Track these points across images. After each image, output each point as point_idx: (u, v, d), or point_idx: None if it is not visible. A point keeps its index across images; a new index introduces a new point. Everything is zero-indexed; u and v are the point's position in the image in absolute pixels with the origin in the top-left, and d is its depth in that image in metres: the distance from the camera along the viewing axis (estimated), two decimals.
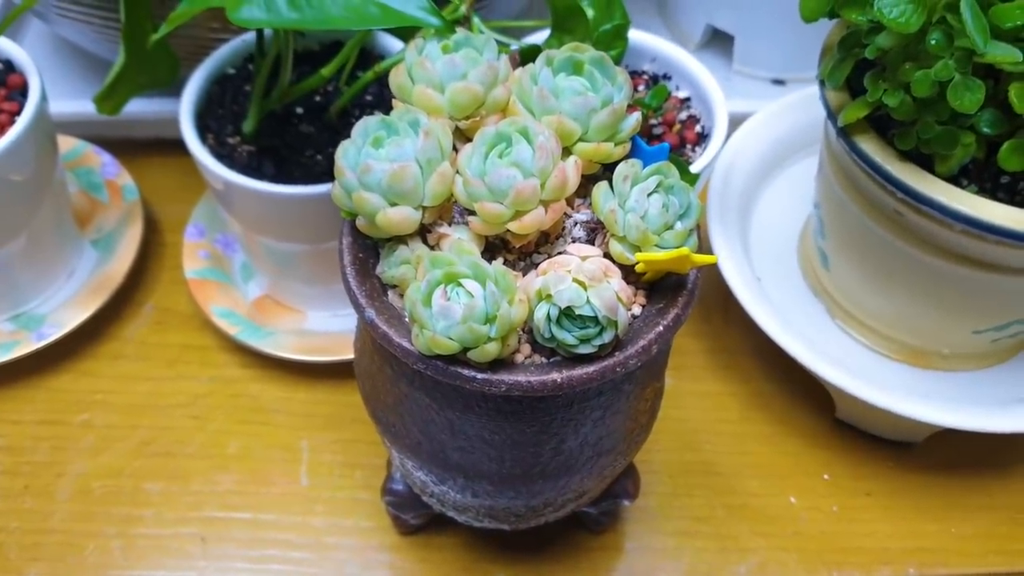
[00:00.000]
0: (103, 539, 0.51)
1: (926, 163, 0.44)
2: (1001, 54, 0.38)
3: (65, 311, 0.58)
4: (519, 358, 0.34)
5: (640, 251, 0.35)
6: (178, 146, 0.51)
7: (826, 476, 0.55)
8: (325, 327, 0.59)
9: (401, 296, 0.36)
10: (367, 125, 0.36)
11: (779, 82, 0.73)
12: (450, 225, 0.37)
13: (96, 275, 0.60)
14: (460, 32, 0.38)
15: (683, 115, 0.55)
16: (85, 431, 0.55)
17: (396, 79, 0.38)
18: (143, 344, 0.59)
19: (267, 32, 0.50)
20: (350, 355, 0.54)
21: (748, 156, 0.60)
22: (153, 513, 0.52)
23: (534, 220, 0.34)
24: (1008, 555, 0.52)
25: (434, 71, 0.36)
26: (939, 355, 0.53)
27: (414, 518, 0.50)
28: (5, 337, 0.56)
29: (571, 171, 0.35)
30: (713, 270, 0.55)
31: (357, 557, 0.51)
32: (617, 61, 0.49)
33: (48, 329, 0.56)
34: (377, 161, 0.34)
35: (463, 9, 0.45)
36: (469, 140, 0.36)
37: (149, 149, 0.67)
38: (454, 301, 0.32)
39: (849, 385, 0.50)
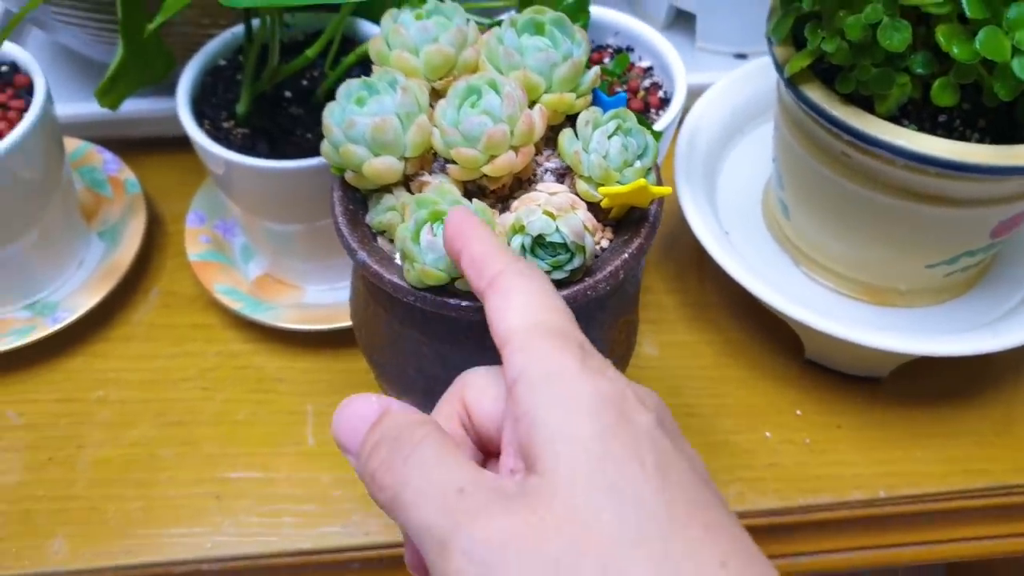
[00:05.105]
0: (123, 502, 0.54)
1: (868, 107, 0.48)
2: None
3: (77, 297, 0.61)
4: None
5: (604, 188, 0.39)
6: (175, 144, 0.54)
7: (798, 412, 0.58)
8: (323, 300, 0.62)
9: (390, 241, 0.40)
10: (350, 87, 0.40)
11: (741, 56, 0.77)
12: (431, 174, 0.40)
13: (104, 264, 0.63)
14: (431, 2, 0.41)
15: (646, 82, 0.59)
16: (101, 407, 0.59)
17: (375, 47, 0.41)
18: (151, 326, 0.63)
19: (255, 22, 0.54)
20: (348, 322, 0.57)
21: (711, 121, 0.64)
22: (169, 476, 0.55)
23: (506, 162, 0.38)
24: (969, 474, 0.55)
25: (409, 36, 0.40)
26: (897, 292, 0.57)
27: None
28: (22, 323, 0.60)
29: (537, 117, 0.39)
30: (685, 230, 0.59)
31: (362, 508, 0.54)
32: None
33: (62, 314, 0.60)
34: (360, 116, 0.38)
35: None
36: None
37: (147, 148, 0.71)
38: (440, 236, 0.36)
39: (814, 321, 0.53)
